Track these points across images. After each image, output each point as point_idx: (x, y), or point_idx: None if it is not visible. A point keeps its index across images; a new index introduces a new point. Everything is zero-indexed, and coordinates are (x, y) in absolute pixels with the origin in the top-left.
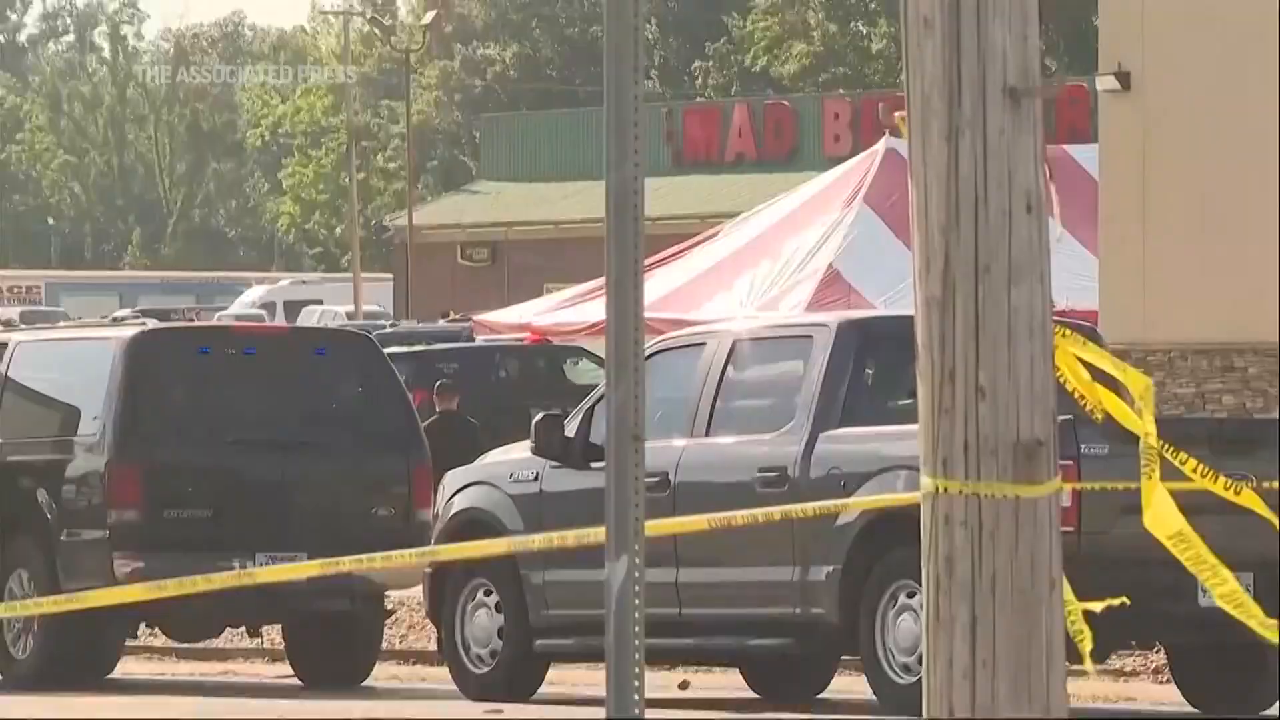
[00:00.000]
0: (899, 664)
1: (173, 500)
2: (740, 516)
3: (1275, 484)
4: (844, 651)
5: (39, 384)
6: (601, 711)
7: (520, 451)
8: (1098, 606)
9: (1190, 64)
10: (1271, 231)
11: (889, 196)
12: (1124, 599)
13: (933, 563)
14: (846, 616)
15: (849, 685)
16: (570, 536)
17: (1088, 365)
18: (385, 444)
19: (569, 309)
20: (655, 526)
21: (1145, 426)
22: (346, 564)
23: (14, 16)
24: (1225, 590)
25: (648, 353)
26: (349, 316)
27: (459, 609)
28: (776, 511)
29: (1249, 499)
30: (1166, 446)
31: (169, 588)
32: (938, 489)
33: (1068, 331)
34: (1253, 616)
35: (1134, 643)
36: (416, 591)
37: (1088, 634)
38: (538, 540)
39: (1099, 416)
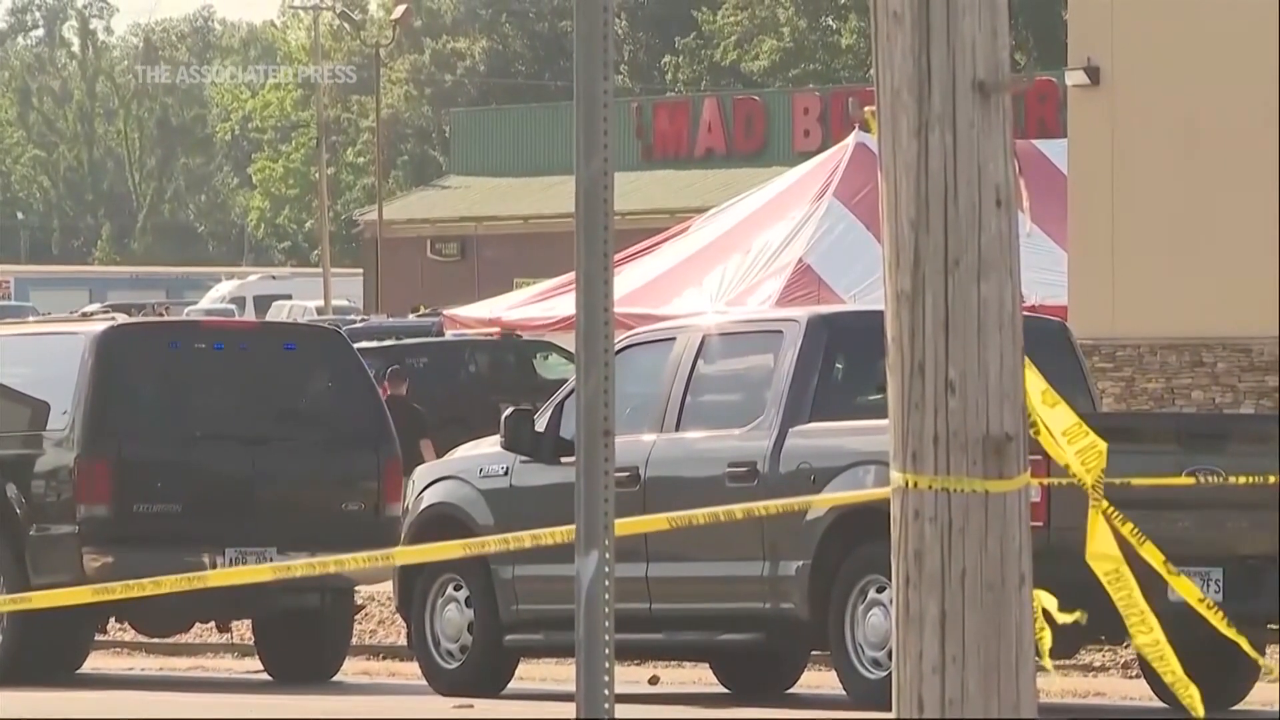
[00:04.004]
0: (869, 659)
1: (142, 495)
2: (710, 514)
3: (1242, 479)
4: (814, 646)
5: (8, 379)
6: (571, 706)
7: (490, 446)
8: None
9: (1160, 59)
10: (1240, 227)
11: (859, 191)
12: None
13: (902, 558)
14: (816, 611)
15: (819, 680)
16: (554, 534)
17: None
18: (355, 439)
19: (538, 304)
20: (624, 525)
21: (1085, 472)
22: (328, 563)
23: None
24: (1148, 640)
25: (617, 348)
26: (319, 311)
27: (429, 604)
28: (752, 507)
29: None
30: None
31: (167, 584)
32: (907, 484)
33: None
34: (1169, 671)
35: (1103, 638)
36: (386, 586)
37: (1046, 631)
38: (526, 538)
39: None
